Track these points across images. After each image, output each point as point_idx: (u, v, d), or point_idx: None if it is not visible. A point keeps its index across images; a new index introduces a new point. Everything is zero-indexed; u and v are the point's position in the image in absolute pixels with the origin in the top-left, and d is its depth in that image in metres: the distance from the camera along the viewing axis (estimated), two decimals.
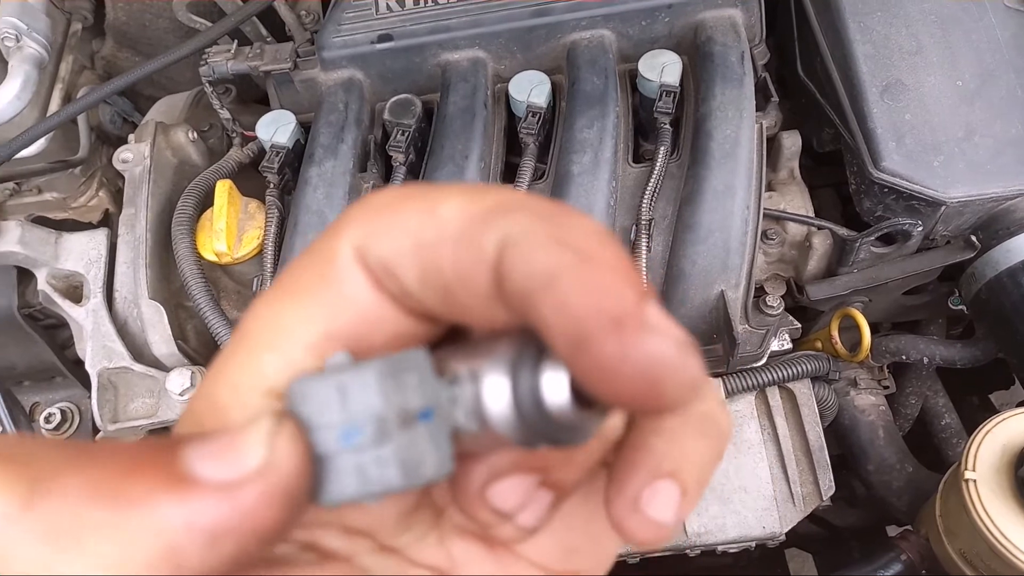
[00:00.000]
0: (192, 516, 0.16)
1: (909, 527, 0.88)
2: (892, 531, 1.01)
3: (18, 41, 0.95)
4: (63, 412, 0.95)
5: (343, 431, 0.18)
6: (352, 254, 0.20)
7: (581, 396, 0.18)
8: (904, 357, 0.90)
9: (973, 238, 0.83)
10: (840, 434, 0.95)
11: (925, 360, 0.89)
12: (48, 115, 0.97)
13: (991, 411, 1.11)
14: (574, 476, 0.22)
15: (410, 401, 0.18)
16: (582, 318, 0.16)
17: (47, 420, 0.95)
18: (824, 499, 0.80)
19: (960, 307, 0.92)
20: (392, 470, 0.18)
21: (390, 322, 0.20)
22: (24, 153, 0.90)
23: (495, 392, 0.19)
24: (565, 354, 0.17)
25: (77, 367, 0.92)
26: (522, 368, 0.19)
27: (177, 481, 0.17)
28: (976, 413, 1.08)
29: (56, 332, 0.95)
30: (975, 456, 0.73)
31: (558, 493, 0.22)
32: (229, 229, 0.82)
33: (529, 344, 0.19)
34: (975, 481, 0.72)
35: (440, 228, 0.19)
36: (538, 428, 0.19)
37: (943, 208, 0.79)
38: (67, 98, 1.04)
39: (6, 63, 0.96)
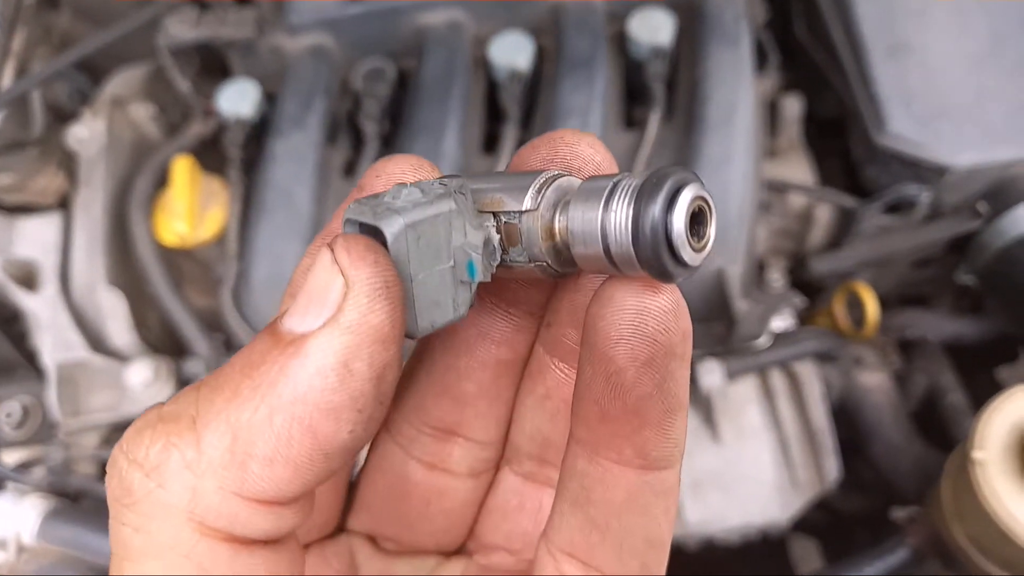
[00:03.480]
0: (331, 348, 0.20)
1: (916, 507, 0.85)
2: (896, 510, 0.98)
3: None
4: (25, 408, 0.89)
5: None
6: None
7: None
8: (911, 333, 0.86)
9: (981, 206, 0.79)
10: (845, 415, 0.91)
11: (934, 336, 0.85)
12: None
13: (995, 386, 1.07)
14: None
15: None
16: None
17: (8, 416, 0.89)
18: (828, 485, 0.76)
19: (969, 278, 0.87)
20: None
21: None
22: None
23: None
24: None
25: (36, 359, 0.86)
26: None
27: (289, 345, 0.21)
28: (981, 388, 1.04)
29: (12, 323, 0.89)
30: (983, 435, 0.69)
31: None
32: (191, 209, 0.76)
33: None
34: (983, 461, 0.68)
35: None
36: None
37: (952, 174, 0.75)
38: (20, 73, 0.97)
39: None
